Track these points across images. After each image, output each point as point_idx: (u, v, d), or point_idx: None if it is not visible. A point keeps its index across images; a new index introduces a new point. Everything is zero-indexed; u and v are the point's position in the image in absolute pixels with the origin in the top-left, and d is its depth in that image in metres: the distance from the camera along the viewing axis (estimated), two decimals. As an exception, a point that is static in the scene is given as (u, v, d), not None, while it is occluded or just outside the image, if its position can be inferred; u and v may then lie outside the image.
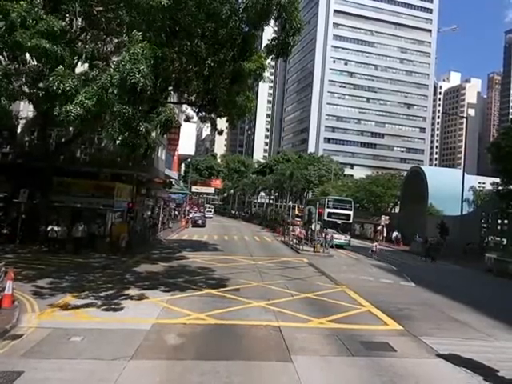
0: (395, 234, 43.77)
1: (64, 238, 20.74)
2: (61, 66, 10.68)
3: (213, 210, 75.41)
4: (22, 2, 10.69)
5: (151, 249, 25.06)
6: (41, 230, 21.20)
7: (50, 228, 20.62)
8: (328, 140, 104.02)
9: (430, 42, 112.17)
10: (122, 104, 10.86)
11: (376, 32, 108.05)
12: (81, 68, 13.98)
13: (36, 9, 10.98)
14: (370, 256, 29.46)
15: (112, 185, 24.77)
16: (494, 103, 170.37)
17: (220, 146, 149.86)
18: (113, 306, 11.49)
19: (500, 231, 33.23)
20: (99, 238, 22.87)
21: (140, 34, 10.94)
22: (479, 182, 51.31)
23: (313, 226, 33.82)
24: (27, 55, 12.19)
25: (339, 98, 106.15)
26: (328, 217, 37.00)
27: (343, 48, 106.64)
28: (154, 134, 15.81)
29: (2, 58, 11.78)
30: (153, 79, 10.88)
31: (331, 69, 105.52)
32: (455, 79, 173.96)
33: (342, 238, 35.19)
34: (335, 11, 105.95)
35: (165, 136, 28.86)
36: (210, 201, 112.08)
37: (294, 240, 33.33)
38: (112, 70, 10.78)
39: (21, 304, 10.81)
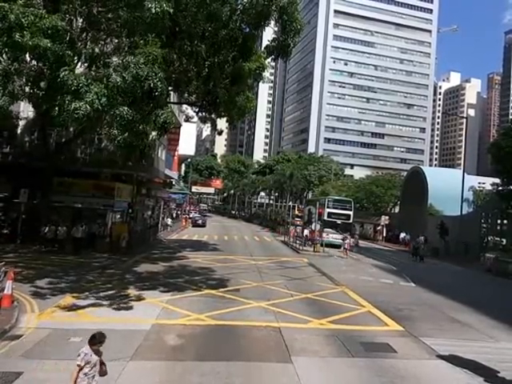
0: (403, 235, 41.94)
1: (64, 238, 20.70)
2: (66, 66, 10.68)
3: (207, 209, 77.31)
4: (19, 2, 10.66)
5: (151, 249, 25.06)
6: (41, 230, 21.18)
7: (47, 229, 20.49)
8: (328, 140, 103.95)
9: (429, 43, 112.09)
10: (126, 105, 10.86)
11: (376, 32, 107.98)
12: (81, 68, 13.97)
13: (34, 8, 10.96)
14: (342, 254, 28.47)
15: (112, 185, 24.76)
16: (494, 103, 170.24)
17: (220, 146, 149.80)
18: (113, 307, 11.48)
19: (500, 231, 33.22)
20: (99, 238, 22.87)
21: (146, 36, 10.96)
22: (479, 183, 51.30)
23: (313, 226, 33.80)
24: (27, 55, 12.17)
25: (339, 98, 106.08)
26: (328, 217, 36.98)
27: (343, 48, 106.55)
28: (154, 134, 15.82)
29: (2, 59, 11.76)
30: (166, 83, 10.93)
31: (331, 69, 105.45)
32: (455, 79, 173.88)
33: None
34: (335, 11, 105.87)
35: (165, 136, 28.87)
36: (213, 201, 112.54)
37: (298, 241, 33.13)
38: (122, 69, 10.75)
39: (20, 304, 10.81)
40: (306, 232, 33.74)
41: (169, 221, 41.46)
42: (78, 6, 12.54)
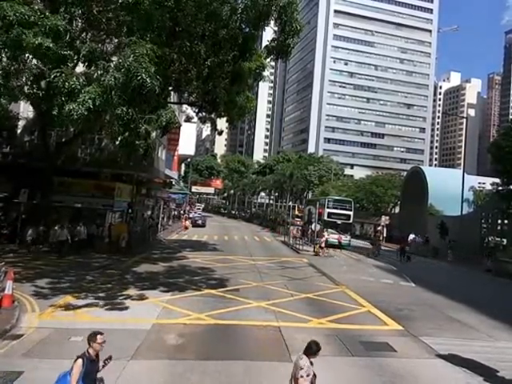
0: (412, 236, 39.68)
1: (56, 241, 19.76)
2: (65, 66, 10.67)
3: (202, 208, 79.67)
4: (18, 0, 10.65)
5: (151, 249, 25.04)
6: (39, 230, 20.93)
7: (30, 231, 19.69)
8: (328, 140, 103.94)
9: (430, 42, 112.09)
10: (124, 105, 10.84)
11: (376, 32, 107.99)
12: (81, 68, 13.98)
13: (37, 7, 10.96)
14: (296, 251, 28.37)
15: (112, 185, 24.74)
16: (494, 103, 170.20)
17: (220, 146, 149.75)
18: (113, 306, 11.50)
19: (500, 231, 33.23)
20: (99, 239, 22.82)
21: (145, 36, 10.92)
22: (479, 183, 51.25)
23: (313, 226, 33.78)
24: (27, 55, 12.16)
25: (339, 98, 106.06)
26: (328, 217, 36.95)
27: (343, 48, 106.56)
28: (154, 134, 15.82)
29: (2, 57, 11.75)
30: (159, 80, 10.86)
31: (331, 69, 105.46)
32: (455, 79, 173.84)
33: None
34: (335, 11, 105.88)
35: (165, 136, 28.88)
36: (210, 201, 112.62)
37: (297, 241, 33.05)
38: (114, 69, 10.73)
39: (21, 304, 10.82)
40: (328, 236, 32.81)
41: (187, 223, 43.51)
42: (77, 6, 12.52)
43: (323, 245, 28.72)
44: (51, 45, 10.29)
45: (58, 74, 10.38)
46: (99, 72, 11.27)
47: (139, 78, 10.17)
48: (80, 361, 5.01)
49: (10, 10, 10.21)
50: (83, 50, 11.69)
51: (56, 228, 20.00)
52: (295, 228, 38.11)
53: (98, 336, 5.29)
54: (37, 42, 10.13)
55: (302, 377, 5.20)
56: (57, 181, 22.98)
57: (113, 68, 10.86)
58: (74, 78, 10.46)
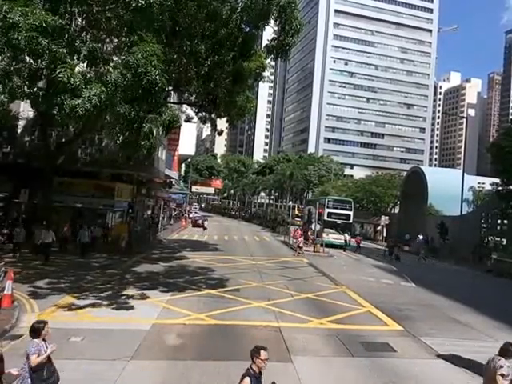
0: (421, 237, 37.18)
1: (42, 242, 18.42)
2: (67, 63, 10.61)
3: (198, 208, 78.98)
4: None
5: (151, 249, 25.04)
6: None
7: (15, 232, 18.88)
8: (328, 140, 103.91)
9: (430, 42, 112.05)
10: (127, 103, 10.80)
11: (376, 32, 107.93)
12: (81, 67, 13.94)
13: (33, 6, 10.86)
14: (295, 250, 28.09)
15: (112, 185, 24.74)
16: (495, 103, 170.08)
17: (220, 146, 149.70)
18: (113, 307, 11.48)
19: (499, 231, 33.22)
20: (98, 239, 22.80)
21: (147, 35, 10.85)
22: (479, 183, 51.01)
23: (313, 226, 33.78)
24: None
25: (339, 98, 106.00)
26: (328, 217, 36.95)
27: (343, 48, 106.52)
28: (155, 132, 15.75)
29: (1, 57, 11.69)
30: (167, 78, 10.83)
31: (331, 69, 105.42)
32: (455, 79, 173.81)
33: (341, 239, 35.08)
34: (335, 11, 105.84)
35: (165, 136, 28.85)
36: (211, 201, 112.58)
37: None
38: (121, 66, 10.67)
39: (20, 304, 10.82)
40: (350, 238, 32.97)
41: (206, 223, 44.62)
42: (77, 4, 12.46)
43: (301, 244, 28.46)
44: (40, 38, 10.16)
45: (63, 70, 10.33)
46: (105, 67, 11.22)
47: (149, 75, 10.12)
48: (248, 379, 4.80)
49: (11, 12, 10.14)
50: (84, 51, 11.64)
51: (42, 229, 18.84)
52: (297, 230, 38.10)
53: (262, 352, 4.92)
54: (25, 36, 9.99)
55: (502, 375, 5.36)
56: (57, 181, 22.98)
57: (120, 66, 10.80)
58: (80, 74, 10.42)
